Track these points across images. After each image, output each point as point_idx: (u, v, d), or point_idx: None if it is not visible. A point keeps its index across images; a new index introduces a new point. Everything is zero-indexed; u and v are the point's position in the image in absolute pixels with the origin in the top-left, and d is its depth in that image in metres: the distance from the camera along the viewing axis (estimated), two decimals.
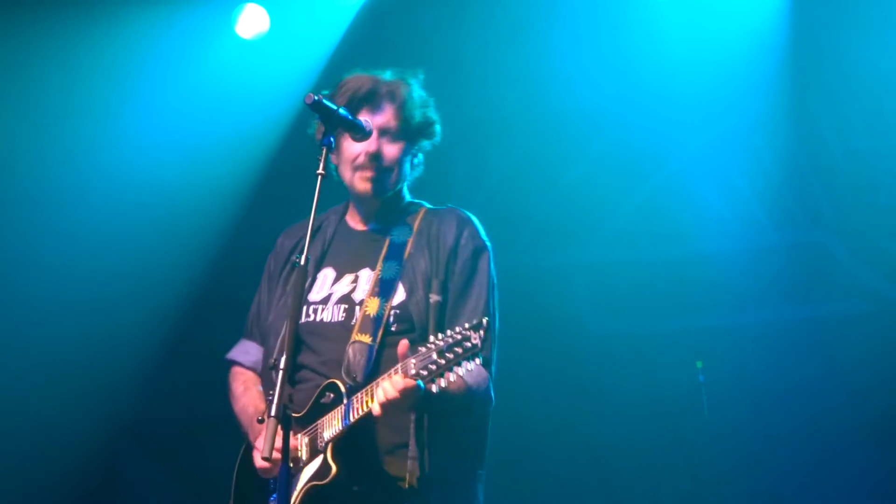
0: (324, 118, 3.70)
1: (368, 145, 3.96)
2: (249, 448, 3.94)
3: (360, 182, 4.02)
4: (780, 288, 7.07)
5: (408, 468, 3.67)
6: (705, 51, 6.98)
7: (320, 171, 3.61)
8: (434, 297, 3.87)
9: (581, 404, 7.15)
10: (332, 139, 3.69)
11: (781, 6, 6.92)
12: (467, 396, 3.61)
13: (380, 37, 6.96)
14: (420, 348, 3.44)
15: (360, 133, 3.85)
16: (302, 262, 3.52)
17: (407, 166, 4.10)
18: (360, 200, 4.13)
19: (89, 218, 6.94)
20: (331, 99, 3.82)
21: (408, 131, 4.06)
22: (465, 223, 4.06)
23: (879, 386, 6.71)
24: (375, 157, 3.99)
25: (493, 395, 3.88)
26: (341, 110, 3.74)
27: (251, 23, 7.07)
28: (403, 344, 3.53)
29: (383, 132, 4.01)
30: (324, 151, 3.64)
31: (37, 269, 6.85)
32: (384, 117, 4.03)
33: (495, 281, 4.02)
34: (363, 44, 6.97)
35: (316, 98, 3.63)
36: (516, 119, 7.30)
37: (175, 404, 7.30)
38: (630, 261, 7.36)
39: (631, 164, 7.32)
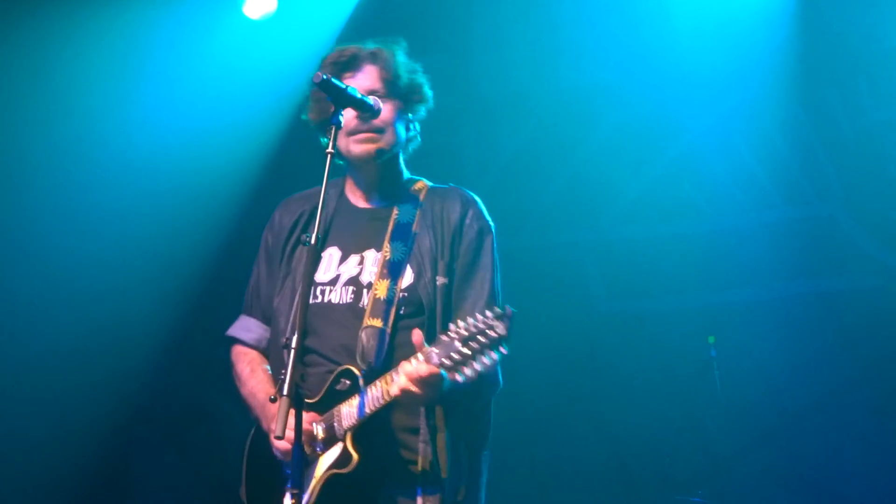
0: (332, 97, 3.66)
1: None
2: (261, 432, 3.90)
3: (355, 145, 3.94)
4: (791, 262, 7.06)
5: (420, 452, 3.67)
6: (714, 26, 6.97)
7: (330, 149, 3.58)
8: (441, 280, 3.85)
9: (592, 381, 7.16)
10: (340, 118, 3.65)
11: None
12: (479, 383, 3.49)
13: (388, 15, 6.93)
14: (442, 337, 3.42)
15: (369, 111, 3.83)
16: (312, 242, 3.49)
17: (401, 129, 4.02)
18: (358, 170, 4.07)
19: (98, 203, 6.94)
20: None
21: (395, 91, 4.00)
22: (469, 203, 4.02)
23: (892, 359, 6.71)
24: (366, 119, 3.92)
25: (501, 378, 3.85)
26: (350, 89, 3.71)
27: (259, 3, 7.07)
28: (418, 333, 3.50)
29: (370, 93, 3.92)
30: (333, 130, 3.61)
31: (47, 256, 6.86)
32: (369, 79, 3.98)
33: (498, 263, 3.98)
34: (371, 22, 6.94)
35: (324, 77, 3.60)
36: (526, 96, 7.29)
37: (187, 388, 7.33)
38: (640, 237, 7.36)
39: (640, 141, 7.31)
